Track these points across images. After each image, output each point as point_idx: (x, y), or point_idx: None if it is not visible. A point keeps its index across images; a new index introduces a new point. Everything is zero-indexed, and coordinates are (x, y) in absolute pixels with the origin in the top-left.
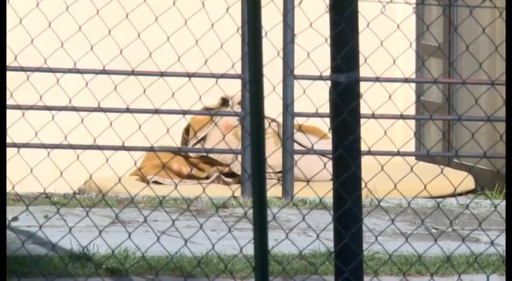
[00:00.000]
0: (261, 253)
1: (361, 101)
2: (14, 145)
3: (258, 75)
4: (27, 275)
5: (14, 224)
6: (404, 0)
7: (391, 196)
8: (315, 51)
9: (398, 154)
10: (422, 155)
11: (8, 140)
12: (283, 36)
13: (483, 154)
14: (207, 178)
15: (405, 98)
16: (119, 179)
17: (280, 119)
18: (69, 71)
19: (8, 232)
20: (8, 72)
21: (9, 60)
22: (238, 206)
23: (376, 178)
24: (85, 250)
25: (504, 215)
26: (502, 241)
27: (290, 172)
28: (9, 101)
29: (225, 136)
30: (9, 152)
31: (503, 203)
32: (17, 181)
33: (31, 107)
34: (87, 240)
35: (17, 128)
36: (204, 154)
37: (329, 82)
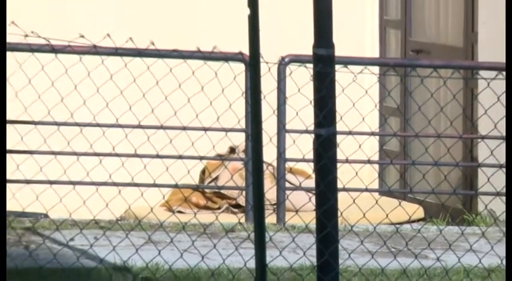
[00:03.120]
0: (261, 266)
1: (338, 149)
2: (70, 183)
3: (258, 129)
4: None
5: (70, 243)
6: (370, 72)
7: (360, 223)
8: (302, 111)
9: (366, 190)
10: (384, 191)
11: (65, 179)
12: (278, 99)
13: (431, 191)
14: (219, 208)
15: (371, 147)
16: (151, 209)
17: (275, 164)
18: (112, 125)
19: (66, 249)
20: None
21: (66, 117)
22: (243, 230)
23: (349, 209)
24: (125, 263)
25: (448, 238)
26: (445, 257)
27: (283, 204)
28: (67, 149)
29: (232, 176)
30: (66, 188)
31: (447, 228)
32: (73, 210)
33: (85, 153)
34: (127, 256)
35: (72, 170)
36: (217, 190)
37: (313, 135)
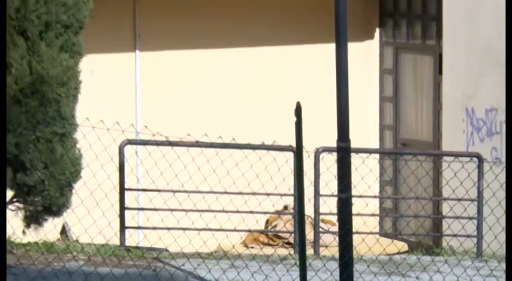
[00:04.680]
0: None
1: (353, 207)
2: (182, 229)
3: (301, 195)
4: None
5: (182, 267)
6: (373, 157)
7: (367, 254)
8: (330, 182)
9: (370, 233)
10: (382, 233)
11: (178, 226)
12: (314, 174)
13: (412, 233)
14: (277, 245)
15: (374, 205)
16: (233, 246)
17: (312, 216)
18: (208, 192)
19: (179, 271)
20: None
21: (178, 187)
22: (292, 259)
23: (360, 245)
24: (216, 280)
25: (423, 264)
26: (422, 276)
27: (317, 242)
28: (179, 207)
29: (285, 224)
30: (179, 232)
31: (423, 257)
32: (183, 246)
33: (190, 210)
34: (218, 275)
35: (182, 221)
36: (275, 233)
37: (337, 198)
